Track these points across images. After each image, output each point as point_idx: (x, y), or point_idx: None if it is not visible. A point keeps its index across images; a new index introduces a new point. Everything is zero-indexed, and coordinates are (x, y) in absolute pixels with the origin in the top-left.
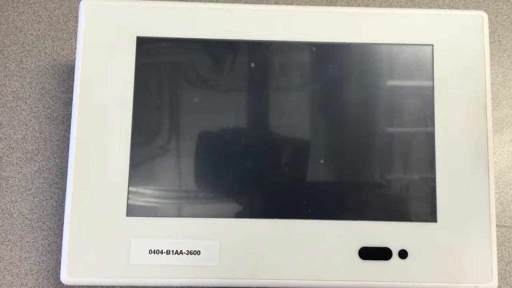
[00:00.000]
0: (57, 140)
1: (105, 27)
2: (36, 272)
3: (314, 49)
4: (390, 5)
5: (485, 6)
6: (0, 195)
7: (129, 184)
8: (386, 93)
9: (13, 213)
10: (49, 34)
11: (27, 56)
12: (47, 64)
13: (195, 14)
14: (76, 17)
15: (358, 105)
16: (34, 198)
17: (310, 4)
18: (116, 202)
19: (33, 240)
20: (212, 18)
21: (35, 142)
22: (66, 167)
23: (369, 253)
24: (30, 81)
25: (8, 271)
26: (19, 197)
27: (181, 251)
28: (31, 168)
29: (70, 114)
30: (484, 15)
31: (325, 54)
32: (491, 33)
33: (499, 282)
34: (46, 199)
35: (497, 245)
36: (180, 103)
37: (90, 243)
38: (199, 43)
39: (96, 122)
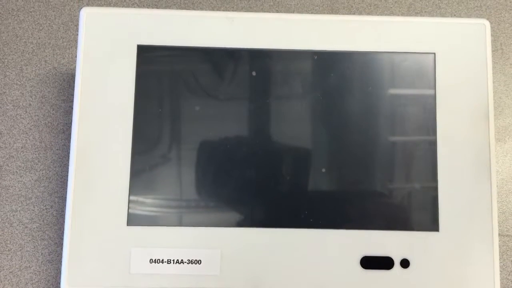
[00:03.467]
0: (57, 149)
1: (106, 36)
2: (37, 281)
3: (315, 57)
4: (392, 13)
5: (488, 15)
6: (0, 204)
7: (130, 193)
8: (388, 101)
9: (13, 223)
10: (49, 43)
11: (27, 65)
12: (47, 73)
13: (196, 22)
14: (77, 25)
15: (359, 114)
16: (34, 207)
17: (312, 13)
18: (117, 211)
19: (33, 250)
20: (213, 26)
21: (35, 151)
22: (67, 176)
23: (371, 263)
24: (30, 90)
25: (8, 280)
26: (19, 206)
27: (182, 260)
28: (31, 177)
29: (71, 122)
30: (486, 23)
31: (326, 62)
32: (493, 41)
33: None
34: (46, 208)
35: (499, 255)
36: (181, 111)
37: (90, 252)
38: (200, 51)
39: (96, 130)
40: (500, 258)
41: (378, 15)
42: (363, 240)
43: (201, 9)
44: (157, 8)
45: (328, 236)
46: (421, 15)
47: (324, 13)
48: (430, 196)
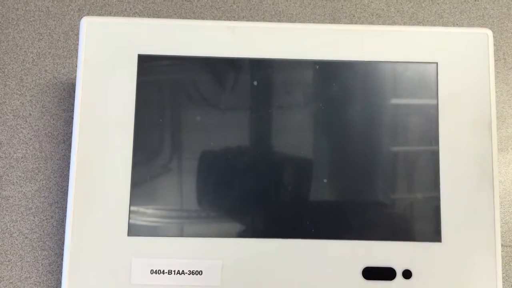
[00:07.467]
0: (57, 159)
1: (106, 45)
2: None
3: (317, 67)
4: (394, 23)
5: (490, 24)
6: (0, 214)
7: (131, 204)
8: (390, 111)
9: (13, 233)
10: (50, 52)
11: (27, 74)
12: (47, 82)
13: (197, 32)
14: (77, 34)
15: (361, 124)
16: (34, 217)
17: (313, 22)
18: (117, 221)
19: (33, 260)
20: (214, 36)
21: (36, 161)
22: (67, 186)
23: (373, 273)
24: (30, 99)
25: None
26: (19, 217)
27: (183, 271)
28: (31, 187)
29: (71, 132)
30: (489, 32)
31: (328, 72)
32: (496, 50)
33: None
34: (46, 219)
35: (502, 265)
36: (181, 121)
37: (91, 263)
38: (201, 61)
39: (97, 140)
40: (503, 269)
41: (380, 24)
42: (365, 250)
43: (202, 18)
44: (158, 17)
45: (329, 246)
46: (423, 25)
47: (325, 22)
48: (432, 207)
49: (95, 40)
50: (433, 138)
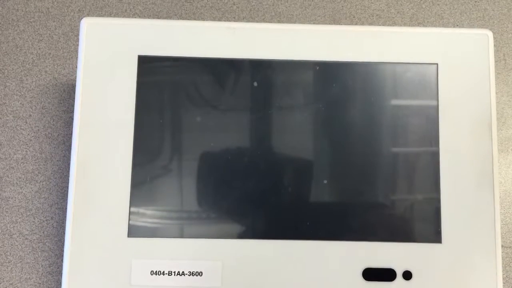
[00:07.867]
0: (57, 160)
1: (106, 46)
2: None
3: (317, 68)
4: (394, 24)
5: (490, 25)
6: (0, 215)
7: (131, 205)
8: (390, 112)
9: (13, 234)
10: (50, 53)
11: (27, 75)
12: (47, 83)
13: (197, 32)
14: (77, 36)
15: (362, 125)
16: (34, 218)
17: (314, 23)
18: (117, 222)
19: (33, 261)
20: (214, 37)
21: (36, 162)
22: (67, 187)
23: (373, 274)
24: (30, 100)
25: None
26: (19, 218)
27: (183, 272)
28: (31, 188)
29: (71, 133)
30: (489, 33)
31: (328, 73)
32: (496, 52)
33: None
34: (46, 220)
35: (502, 266)
36: (182, 122)
37: (91, 264)
38: (201, 62)
39: (97, 141)
40: (503, 270)
41: (380, 25)
42: (365, 251)
43: (202, 19)
44: (158, 18)
45: (330, 247)
46: (423, 26)
47: (326, 23)
48: (432, 208)
49: (95, 41)
50: (433, 139)
